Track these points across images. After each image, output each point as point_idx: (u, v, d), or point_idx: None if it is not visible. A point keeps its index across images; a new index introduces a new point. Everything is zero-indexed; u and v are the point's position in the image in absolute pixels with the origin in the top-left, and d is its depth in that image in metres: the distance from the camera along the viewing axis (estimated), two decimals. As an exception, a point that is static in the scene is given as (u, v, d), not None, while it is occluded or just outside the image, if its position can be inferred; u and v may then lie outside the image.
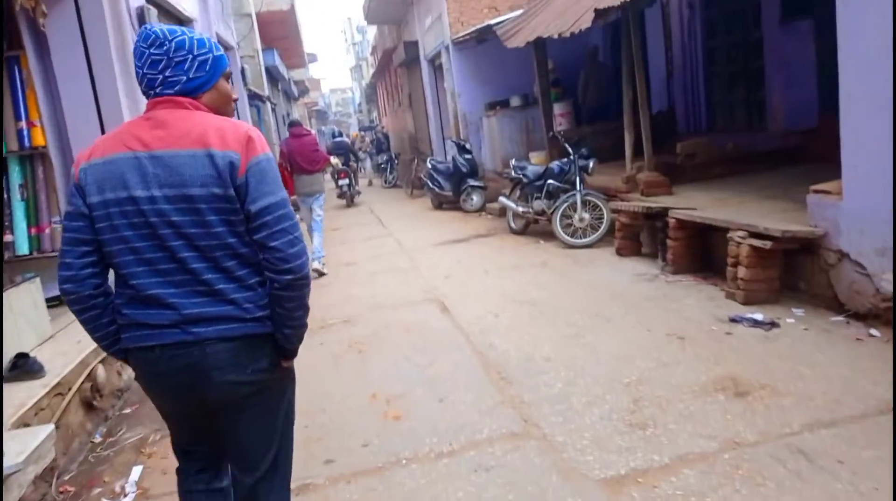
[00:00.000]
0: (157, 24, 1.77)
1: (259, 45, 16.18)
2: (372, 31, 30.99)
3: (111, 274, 1.77)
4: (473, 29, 11.25)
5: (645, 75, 7.12)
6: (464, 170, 11.33)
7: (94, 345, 3.77)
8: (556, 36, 7.24)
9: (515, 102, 11.52)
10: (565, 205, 7.35)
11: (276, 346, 1.79)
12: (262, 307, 1.73)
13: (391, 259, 7.92)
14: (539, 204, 7.82)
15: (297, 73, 32.39)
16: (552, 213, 7.43)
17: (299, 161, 7.64)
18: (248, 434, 1.83)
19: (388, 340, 4.84)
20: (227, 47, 10.84)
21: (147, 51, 1.71)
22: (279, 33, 19.34)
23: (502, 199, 8.62)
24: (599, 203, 7.16)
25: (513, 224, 8.60)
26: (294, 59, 24.33)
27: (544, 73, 9.53)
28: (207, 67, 1.77)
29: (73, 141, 5.03)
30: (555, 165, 7.74)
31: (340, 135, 19.67)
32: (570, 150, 7.56)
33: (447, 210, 11.95)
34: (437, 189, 11.95)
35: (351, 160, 16.43)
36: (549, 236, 7.94)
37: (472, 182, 11.23)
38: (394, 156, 19.59)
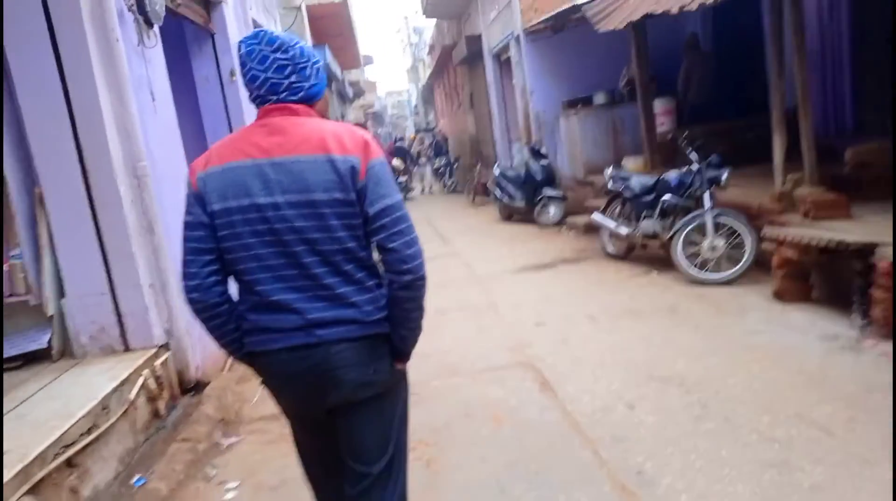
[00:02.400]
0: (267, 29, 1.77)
1: (310, 41, 14.86)
2: (429, 30, 29.61)
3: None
4: (550, 15, 9.54)
5: (779, 59, 5.30)
6: (538, 177, 9.64)
7: (43, 448, 2.78)
8: (674, 11, 5.49)
9: (600, 99, 9.77)
10: (690, 228, 5.58)
11: (392, 348, 1.81)
12: (381, 309, 1.75)
13: (460, 291, 6.29)
14: (649, 225, 6.06)
15: (353, 74, 31.30)
16: (671, 238, 5.67)
17: None
18: (364, 434, 1.83)
19: (468, 441, 3.22)
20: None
21: (272, 55, 1.71)
22: (332, 30, 18.03)
23: (597, 216, 6.89)
24: (739, 227, 5.37)
25: (610, 247, 6.86)
26: (349, 59, 23.03)
27: (644, 62, 7.76)
28: (321, 75, 1.81)
29: (39, 163, 3.81)
30: (671, 176, 5.97)
31: (401, 139, 22.62)
32: (694, 156, 5.78)
33: (518, 223, 10.27)
34: (506, 199, 10.29)
35: (407, 162, 18.38)
36: (662, 263, 6.17)
37: (548, 192, 9.53)
38: (452, 160, 18.00)
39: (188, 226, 1.73)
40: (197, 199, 1.71)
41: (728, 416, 3.15)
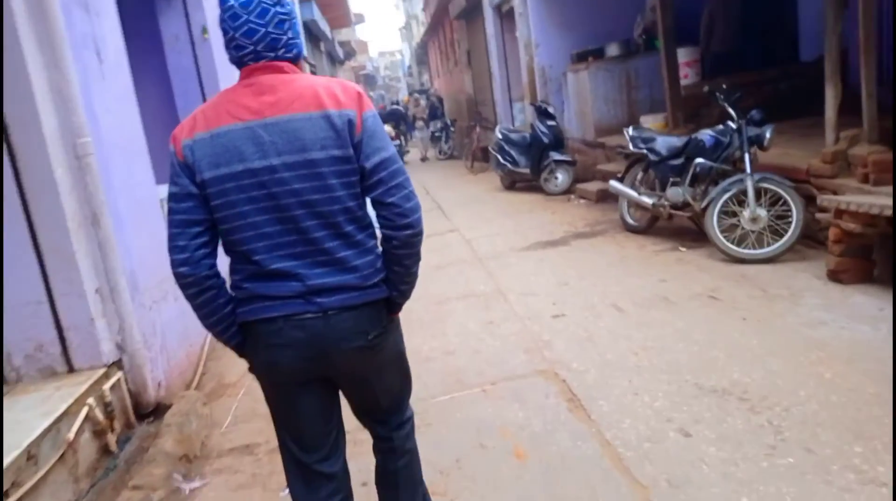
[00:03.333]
0: None
1: (294, -3, 13.90)
2: (422, -16, 28.31)
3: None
4: (556, -42, 8.66)
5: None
6: (545, 140, 8.87)
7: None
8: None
9: (613, 51, 8.94)
10: (727, 196, 4.87)
11: (388, 302, 1.76)
12: (379, 271, 1.71)
13: (463, 275, 5.61)
14: (678, 193, 5.35)
15: (343, 34, 30.06)
16: (706, 207, 4.96)
17: None
18: (373, 391, 1.84)
19: (486, 484, 2.58)
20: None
21: (272, 8, 1.62)
22: (319, -15, 16.98)
23: (615, 184, 6.16)
24: (784, 194, 4.66)
25: (630, 218, 6.15)
26: (338, 16, 21.93)
27: (668, 4, 6.91)
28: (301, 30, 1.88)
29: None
30: (706, 135, 5.22)
31: (396, 103, 22.27)
32: (732, 112, 5.04)
33: (522, 191, 9.55)
34: (509, 165, 9.54)
35: (401, 126, 18.16)
36: (691, 237, 5.49)
37: (556, 156, 8.77)
38: (449, 123, 17.12)
39: (174, 197, 1.63)
40: (183, 168, 1.62)
41: (809, 445, 2.50)
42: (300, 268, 1.62)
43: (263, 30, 1.61)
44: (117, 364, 3.46)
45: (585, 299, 4.46)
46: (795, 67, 7.91)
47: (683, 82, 7.41)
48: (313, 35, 17.19)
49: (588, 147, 9.21)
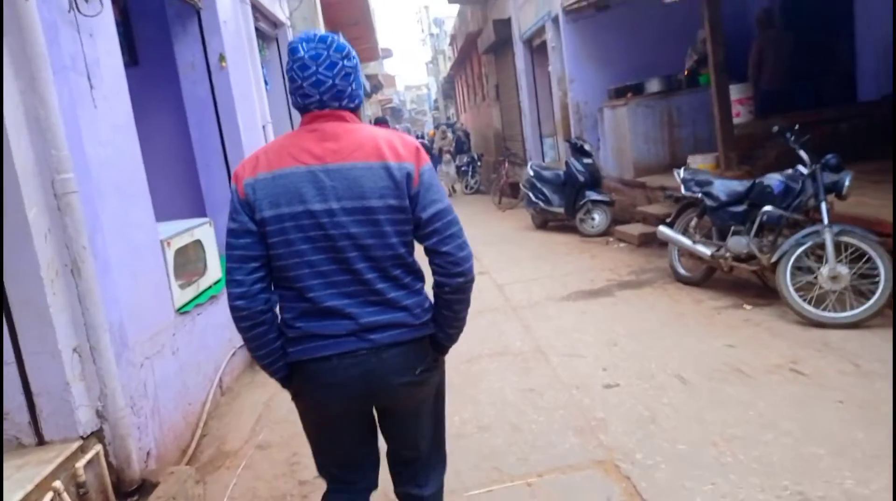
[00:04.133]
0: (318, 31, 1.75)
1: (322, 28, 13.68)
2: (450, 20, 28.31)
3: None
4: (595, -11, 8.24)
5: None
6: (581, 179, 8.34)
7: None
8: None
9: (653, 86, 8.45)
10: (802, 249, 4.27)
11: (435, 344, 1.83)
12: (427, 311, 1.77)
13: (496, 327, 5.03)
14: (740, 243, 4.75)
15: (371, 67, 30.08)
16: (777, 261, 4.36)
17: None
18: (412, 427, 1.88)
19: None
20: (275, 23, 8.29)
21: (341, 61, 1.70)
22: (347, 17, 16.81)
23: (665, 230, 5.58)
24: (869, 249, 4.06)
25: (681, 268, 5.55)
26: (366, 51, 21.78)
27: (719, 37, 6.42)
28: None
29: None
30: (774, 180, 4.64)
31: (421, 137, 23.63)
32: (805, 156, 4.47)
33: (555, 231, 8.99)
34: (541, 203, 9.01)
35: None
36: (755, 292, 4.88)
37: (593, 196, 8.23)
38: (476, 157, 16.70)
39: (233, 233, 1.69)
40: (244, 205, 1.68)
41: None
42: (352, 307, 1.68)
43: (331, 82, 1.68)
44: (97, 435, 2.94)
45: (641, 366, 3.86)
46: (854, 107, 7.35)
47: (735, 121, 6.85)
48: (340, 67, 17.06)
49: (626, 187, 8.66)
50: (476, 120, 20.97)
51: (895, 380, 2.73)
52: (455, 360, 4.27)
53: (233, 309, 1.70)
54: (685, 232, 5.49)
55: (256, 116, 6.32)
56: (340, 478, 1.93)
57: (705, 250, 5.07)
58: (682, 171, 5.57)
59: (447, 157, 18.62)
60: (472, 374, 4.10)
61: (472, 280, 1.75)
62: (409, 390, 1.78)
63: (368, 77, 26.26)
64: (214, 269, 4.73)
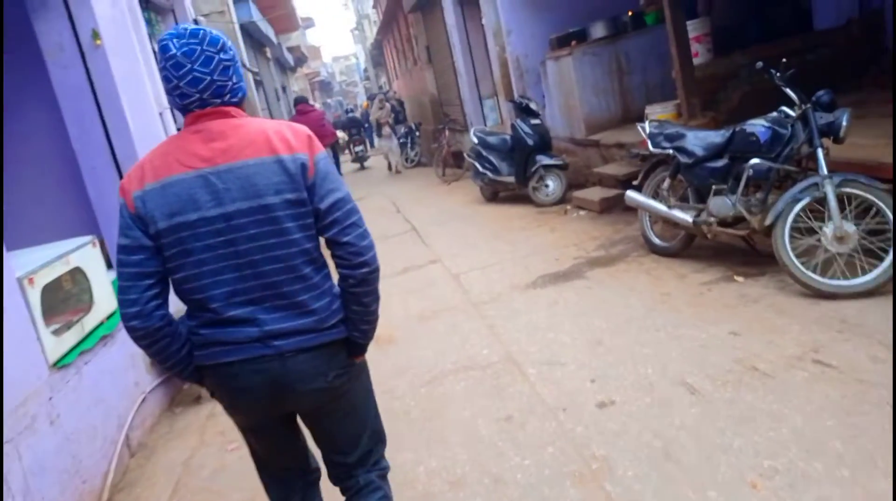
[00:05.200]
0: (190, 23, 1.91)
1: (229, -1, 12.43)
2: (371, -18, 26.90)
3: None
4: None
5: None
6: (530, 142, 7.61)
7: None
8: None
9: (598, 31, 7.75)
10: (800, 206, 3.66)
11: (349, 346, 1.76)
12: (337, 312, 1.71)
13: (456, 331, 4.31)
14: (725, 204, 4.12)
15: (292, 39, 28.51)
16: (773, 223, 3.74)
17: None
18: (337, 430, 1.83)
19: None
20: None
21: (216, 56, 1.60)
22: (257, -16, 15.48)
23: (634, 195, 4.92)
24: (878, 201, 3.47)
25: (656, 237, 4.91)
26: (282, 17, 20.38)
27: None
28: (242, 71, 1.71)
29: None
30: (758, 127, 3.99)
31: (351, 111, 22.99)
32: (793, 95, 3.83)
33: (507, 203, 8.28)
34: (489, 173, 8.27)
35: (361, 132, 18.51)
36: (742, 259, 4.29)
37: (544, 160, 7.52)
38: (413, 127, 15.76)
39: (125, 250, 1.62)
40: (135, 220, 1.60)
41: None
42: (257, 313, 1.63)
43: (209, 78, 1.59)
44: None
45: (636, 372, 3.19)
46: (814, 35, 6.79)
47: (695, 62, 6.20)
48: (255, 40, 15.70)
49: (578, 146, 7.99)
50: (409, 87, 19.96)
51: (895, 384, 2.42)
52: (413, 381, 3.55)
53: (128, 330, 1.64)
54: (656, 195, 4.84)
55: (149, 102, 5.33)
56: (277, 476, 1.94)
57: (684, 217, 4.43)
58: (647, 125, 4.89)
59: (387, 130, 16.59)
60: (434, 400, 3.38)
61: (376, 270, 1.69)
62: (321, 396, 1.73)
63: (290, 50, 24.84)
64: (106, 300, 3.84)
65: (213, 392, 1.78)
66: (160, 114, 5.47)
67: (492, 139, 8.38)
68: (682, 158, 4.44)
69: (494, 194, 8.61)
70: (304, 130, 1.67)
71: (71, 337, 3.31)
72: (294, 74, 29.22)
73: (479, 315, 4.48)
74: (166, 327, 1.65)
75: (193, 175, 1.57)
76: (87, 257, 3.71)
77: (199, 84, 1.58)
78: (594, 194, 6.81)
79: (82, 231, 5.25)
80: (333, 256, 1.68)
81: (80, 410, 3.25)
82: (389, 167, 14.98)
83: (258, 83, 14.62)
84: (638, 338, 3.56)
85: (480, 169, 8.36)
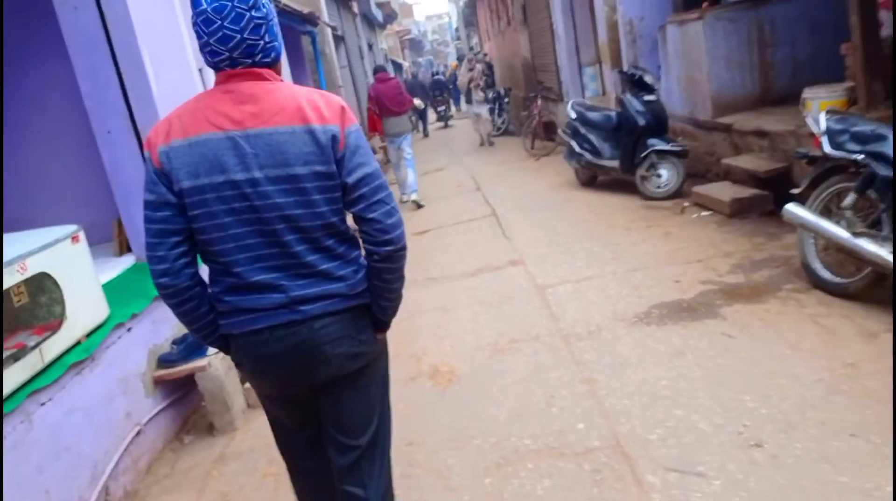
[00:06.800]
0: None
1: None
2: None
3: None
4: None
5: None
6: (641, 122, 6.29)
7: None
8: None
9: (738, -10, 6.24)
10: None
11: (372, 319, 1.76)
12: (363, 281, 1.69)
13: (539, 379, 3.23)
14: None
15: (383, -5, 27.43)
16: None
17: (387, 104, 8.09)
18: (351, 408, 1.79)
19: None
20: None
21: (247, 13, 1.53)
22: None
23: (797, 212, 3.60)
24: None
25: (823, 269, 3.59)
26: (374, -27, 19.37)
27: None
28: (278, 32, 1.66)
29: None
30: None
31: (436, 73, 23.07)
32: None
33: (607, 189, 7.01)
34: (587, 155, 7.00)
35: (445, 93, 19.62)
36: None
37: (658, 145, 6.19)
38: (503, 92, 14.45)
39: (151, 205, 1.58)
40: (160, 176, 1.56)
41: None
42: (282, 280, 1.60)
43: (239, 36, 1.54)
44: None
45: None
46: None
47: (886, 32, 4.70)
48: (339, -7, 14.73)
49: (701, 130, 6.59)
50: (501, 49, 18.55)
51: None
52: (476, 461, 2.56)
53: (157, 287, 1.61)
54: (828, 212, 3.53)
55: (185, 57, 4.43)
56: (299, 465, 1.92)
57: (879, 253, 3.10)
58: (822, 116, 3.55)
59: (479, 94, 14.15)
60: (499, 492, 2.33)
61: (402, 248, 1.66)
62: (348, 361, 1.69)
63: (380, 6, 23.77)
64: (88, 311, 2.98)
65: (238, 362, 1.73)
66: (200, 70, 4.57)
67: (593, 115, 7.08)
68: (881, 170, 3.11)
69: (591, 179, 7.35)
70: (337, 100, 1.63)
71: (16, 374, 2.44)
72: (383, 31, 28.22)
73: (571, 358, 3.36)
74: (196, 286, 1.63)
75: (222, 136, 1.53)
76: (61, 258, 2.83)
77: (228, 42, 1.53)
78: (722, 191, 5.46)
79: (101, 208, 4.48)
80: (360, 231, 1.66)
81: (25, 473, 2.40)
82: (481, 141, 13.40)
83: (338, 39, 13.67)
84: (820, 444, 2.36)
85: (577, 149, 7.10)
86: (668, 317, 3.61)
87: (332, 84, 11.50)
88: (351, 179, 1.59)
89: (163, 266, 1.58)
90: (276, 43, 1.61)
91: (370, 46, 20.57)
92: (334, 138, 1.56)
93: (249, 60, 1.56)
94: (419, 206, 8.25)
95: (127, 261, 4.17)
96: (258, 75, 1.58)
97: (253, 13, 1.53)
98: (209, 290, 1.68)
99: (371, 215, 1.60)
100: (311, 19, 9.71)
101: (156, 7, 4.04)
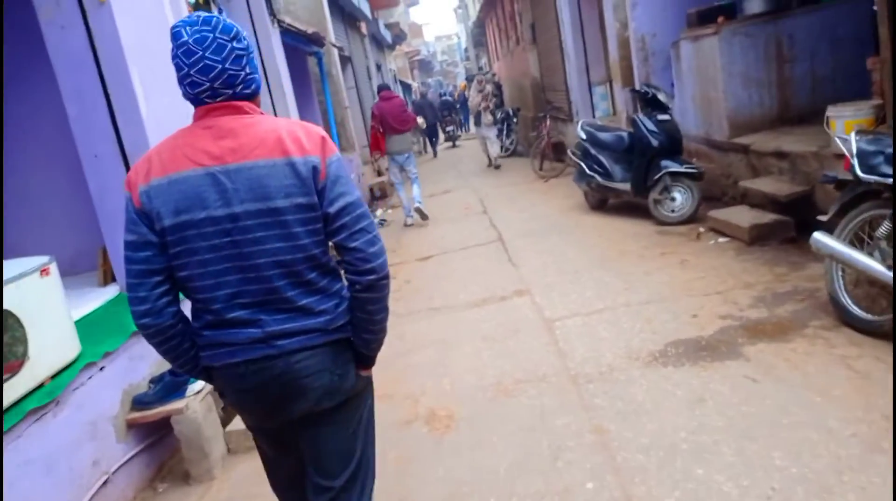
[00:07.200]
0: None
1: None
2: (478, -44, 25.37)
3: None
4: None
5: None
6: (655, 143, 6.03)
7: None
8: None
9: (754, 6, 6.03)
10: None
11: (356, 354, 1.73)
12: (343, 314, 1.67)
13: (548, 428, 2.94)
14: None
15: (395, 15, 27.54)
16: None
17: (391, 122, 8.12)
18: (329, 445, 1.76)
19: None
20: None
21: (229, 44, 1.55)
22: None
23: (826, 241, 3.32)
24: None
25: (854, 307, 3.28)
26: (383, -6, 19.36)
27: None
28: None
29: None
30: None
31: (444, 94, 23.79)
32: None
33: (618, 213, 6.74)
34: (598, 177, 6.74)
35: (453, 114, 20.40)
36: None
37: (672, 166, 5.93)
38: (511, 112, 14.26)
39: (131, 246, 1.58)
40: (141, 216, 1.56)
41: None
42: (260, 314, 1.58)
43: (220, 66, 1.54)
44: None
45: None
46: None
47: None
48: (345, 13, 14.65)
49: (716, 150, 6.32)
50: (510, 69, 18.43)
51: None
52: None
53: (139, 327, 1.62)
54: (859, 242, 3.25)
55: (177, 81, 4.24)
56: (285, 495, 1.90)
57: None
58: (853, 137, 3.28)
59: (488, 117, 13.16)
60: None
61: (384, 277, 1.63)
62: (326, 397, 1.66)
63: (389, 27, 23.78)
64: (53, 350, 2.74)
65: (221, 393, 1.72)
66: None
67: (604, 135, 6.84)
68: (924, 193, 2.83)
69: (602, 202, 7.08)
70: (317, 130, 1.62)
71: (-40, 425, 2.20)
72: (392, 52, 28.23)
73: (580, 402, 3.07)
74: (178, 324, 1.63)
75: (202, 173, 1.52)
76: (26, 294, 2.60)
77: (210, 72, 1.53)
78: (740, 216, 5.17)
79: (89, 234, 4.26)
80: (342, 261, 1.63)
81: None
82: (489, 162, 13.06)
83: (345, 60, 13.56)
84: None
85: (587, 171, 6.84)
86: (685, 356, 3.32)
87: (338, 105, 11.35)
88: (332, 209, 1.57)
89: (144, 307, 1.58)
90: (255, 75, 1.62)
91: (378, 67, 20.52)
92: (315, 169, 1.55)
93: (230, 91, 1.56)
94: (424, 216, 8.28)
95: (110, 292, 3.94)
96: (237, 108, 1.57)
97: (234, 44, 1.55)
98: (192, 322, 1.68)
99: (353, 244, 1.59)
100: (316, 40, 9.58)
101: (147, 26, 3.86)
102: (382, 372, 3.81)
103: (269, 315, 1.58)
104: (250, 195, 1.52)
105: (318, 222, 1.58)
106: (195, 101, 1.58)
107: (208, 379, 1.74)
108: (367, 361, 1.76)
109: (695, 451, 2.54)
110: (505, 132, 13.93)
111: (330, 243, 1.65)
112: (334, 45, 11.49)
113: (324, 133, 1.63)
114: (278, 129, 1.57)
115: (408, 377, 3.72)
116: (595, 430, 2.82)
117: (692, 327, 3.63)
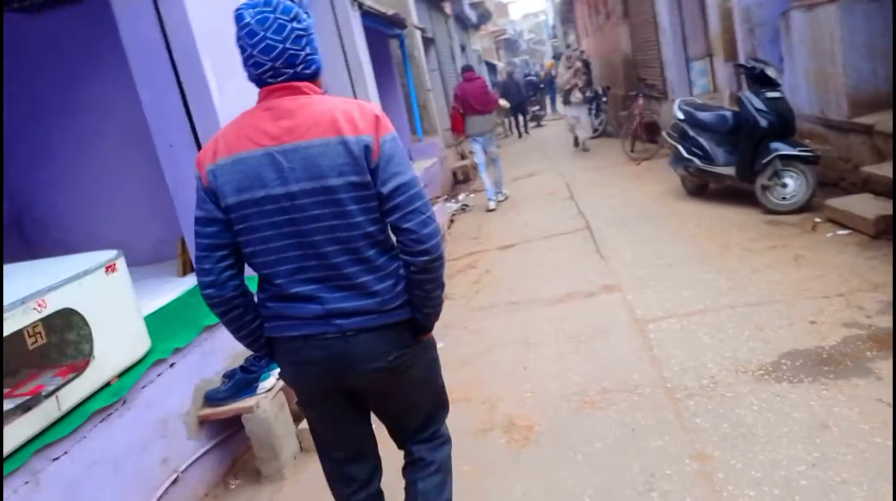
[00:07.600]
0: None
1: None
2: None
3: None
4: None
5: None
6: (763, 123, 5.44)
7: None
8: None
9: (884, -33, 5.27)
10: None
11: (414, 326, 1.76)
12: (400, 294, 1.69)
13: (641, 451, 2.62)
14: None
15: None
16: None
17: (472, 103, 8.01)
18: (398, 409, 1.86)
19: None
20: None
21: (289, 24, 1.59)
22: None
23: None
24: None
25: None
26: (467, -27, 18.95)
27: None
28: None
29: None
30: None
31: (529, 74, 23.31)
32: None
33: (719, 201, 6.19)
34: (697, 160, 6.21)
35: (538, 93, 20.74)
36: None
37: (784, 149, 5.33)
38: (601, 91, 13.59)
39: (200, 222, 1.65)
40: (208, 193, 1.63)
41: None
42: (320, 292, 1.63)
43: (281, 46, 1.58)
44: None
45: None
46: None
47: None
48: (430, -4, 14.38)
49: (833, 131, 5.65)
50: (599, 46, 17.63)
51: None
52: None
53: (204, 297, 1.68)
54: None
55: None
56: (339, 471, 1.89)
57: None
58: None
59: (577, 95, 12.46)
60: None
61: (437, 259, 1.64)
62: (383, 376, 1.71)
63: (474, 6, 23.33)
64: (122, 349, 2.68)
65: (281, 366, 1.77)
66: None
67: (704, 115, 6.27)
68: None
69: (701, 188, 6.54)
70: (372, 108, 1.62)
71: (23, 427, 2.15)
72: (477, 32, 27.79)
73: (678, 421, 2.73)
74: (240, 296, 1.69)
75: (261, 153, 1.57)
76: (91, 291, 2.53)
77: (271, 52, 1.57)
78: (864, 205, 4.57)
79: (170, 223, 4.26)
80: (396, 241, 1.65)
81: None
82: (576, 143, 12.33)
83: (428, 41, 13.33)
84: None
85: (685, 153, 6.31)
86: (803, 371, 2.89)
87: (420, 88, 11.17)
88: (385, 189, 1.58)
89: (209, 278, 1.65)
90: (316, 56, 1.65)
91: (463, 48, 20.19)
92: (367, 148, 1.57)
93: (291, 71, 1.60)
94: (505, 198, 8.69)
95: (187, 283, 3.93)
96: (297, 89, 1.61)
97: (294, 24, 1.58)
98: (257, 295, 1.74)
99: (406, 225, 1.59)
100: (397, 22, 9.39)
101: (217, 14, 3.76)
102: (458, 371, 3.61)
103: (329, 292, 1.62)
104: (305, 174, 1.56)
105: (373, 201, 1.60)
106: (259, 82, 1.62)
107: (270, 354, 1.79)
108: (427, 329, 1.80)
109: (817, 490, 2.16)
110: (594, 112, 13.30)
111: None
112: (416, 27, 11.28)
113: (379, 112, 1.63)
114: (333, 108, 1.59)
115: (485, 380, 3.48)
116: (696, 456, 2.48)
117: (810, 335, 3.18)
